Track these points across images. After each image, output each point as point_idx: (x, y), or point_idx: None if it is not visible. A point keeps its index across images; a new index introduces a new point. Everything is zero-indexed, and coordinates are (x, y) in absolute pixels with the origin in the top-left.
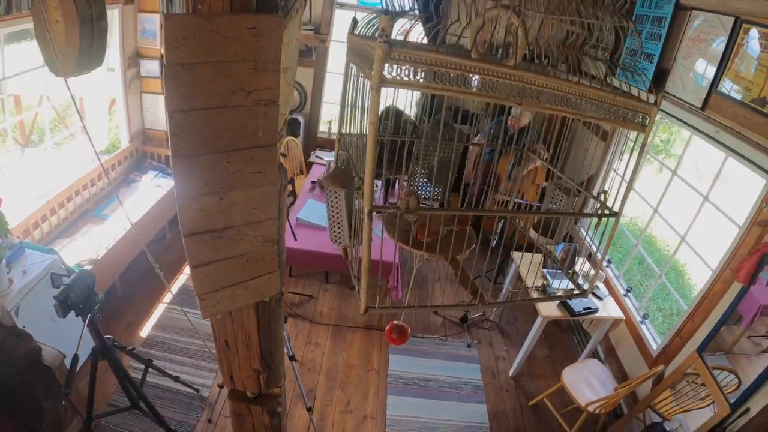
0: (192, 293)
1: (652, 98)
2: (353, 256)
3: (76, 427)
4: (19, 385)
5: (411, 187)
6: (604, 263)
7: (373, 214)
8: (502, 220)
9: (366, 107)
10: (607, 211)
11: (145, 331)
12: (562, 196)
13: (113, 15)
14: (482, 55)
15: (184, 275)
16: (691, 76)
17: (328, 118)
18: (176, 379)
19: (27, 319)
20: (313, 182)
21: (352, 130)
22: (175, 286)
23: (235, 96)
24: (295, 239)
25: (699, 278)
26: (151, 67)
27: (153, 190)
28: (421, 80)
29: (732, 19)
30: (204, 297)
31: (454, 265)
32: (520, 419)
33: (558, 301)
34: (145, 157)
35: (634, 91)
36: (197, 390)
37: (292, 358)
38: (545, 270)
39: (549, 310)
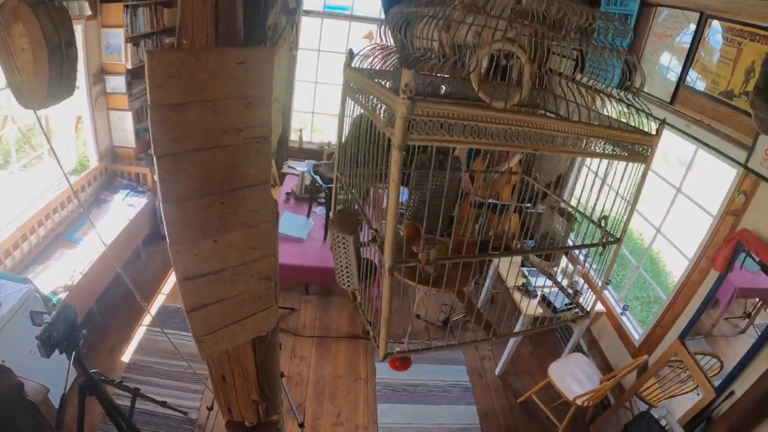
0: (172, 313)
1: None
2: (363, 299)
3: None
4: (4, 423)
5: (408, 219)
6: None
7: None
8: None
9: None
10: (610, 238)
11: (126, 356)
12: (562, 220)
13: (76, 31)
14: (489, 93)
15: (162, 295)
16: (658, 70)
17: (298, 126)
18: (164, 404)
19: (5, 354)
20: (287, 193)
21: (351, 167)
22: (154, 308)
23: (227, 135)
24: None
25: (673, 265)
26: (117, 83)
27: (125, 209)
28: (444, 134)
29: (697, 15)
30: (202, 339)
31: (461, 297)
32: (510, 417)
33: (540, 299)
34: (115, 175)
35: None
36: (185, 413)
37: (280, 375)
38: (524, 269)
39: (532, 308)
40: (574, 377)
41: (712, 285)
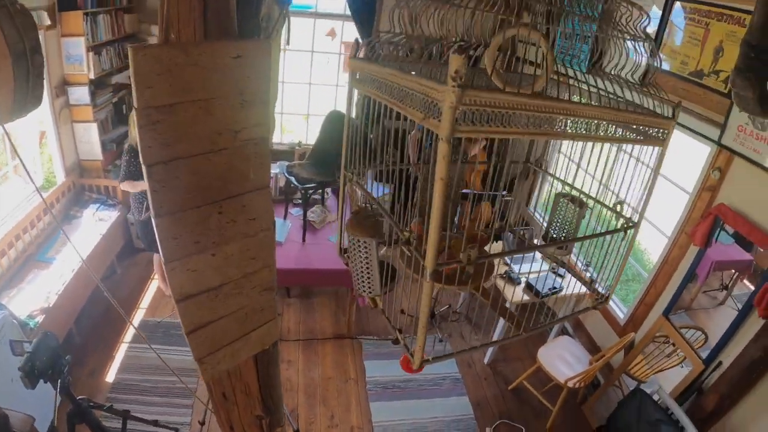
0: (153, 327)
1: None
2: (386, 306)
3: None
4: None
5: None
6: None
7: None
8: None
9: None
10: (627, 224)
11: (110, 376)
12: (575, 208)
13: None
14: (503, 79)
15: (142, 309)
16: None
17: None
18: (155, 423)
19: None
20: None
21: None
22: (134, 323)
23: (222, 137)
24: None
25: (649, 244)
26: (81, 95)
27: (96, 224)
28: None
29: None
30: (204, 360)
31: (485, 295)
32: (502, 404)
33: (524, 286)
34: (84, 190)
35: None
36: (177, 430)
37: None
38: (506, 257)
39: (517, 296)
40: (563, 360)
41: (692, 260)
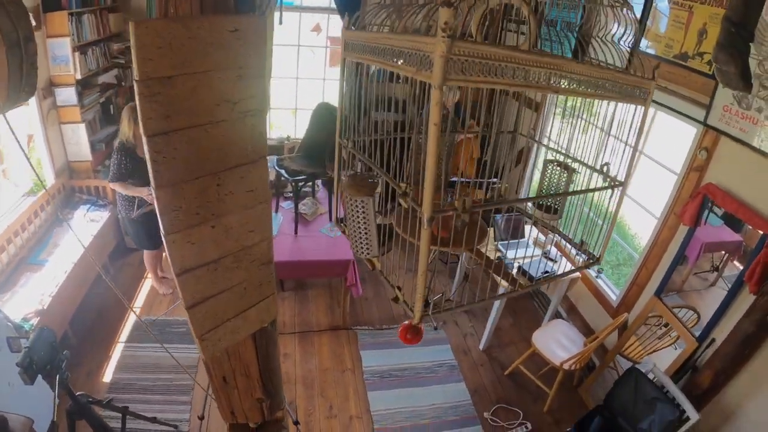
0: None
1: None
2: (383, 265)
3: None
4: None
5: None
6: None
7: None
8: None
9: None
10: (614, 183)
11: (107, 376)
12: (562, 172)
13: None
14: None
15: (136, 308)
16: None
17: None
18: (153, 420)
19: None
20: None
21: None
22: (129, 322)
23: (220, 109)
24: None
25: (638, 227)
26: (68, 95)
27: (88, 225)
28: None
29: None
30: (204, 337)
31: (480, 255)
32: (499, 389)
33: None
34: (74, 191)
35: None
36: (176, 426)
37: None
38: (497, 243)
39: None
40: (558, 343)
41: (682, 240)
